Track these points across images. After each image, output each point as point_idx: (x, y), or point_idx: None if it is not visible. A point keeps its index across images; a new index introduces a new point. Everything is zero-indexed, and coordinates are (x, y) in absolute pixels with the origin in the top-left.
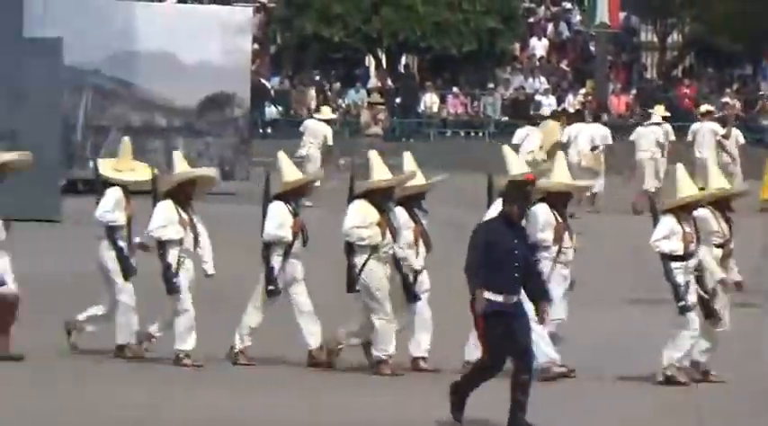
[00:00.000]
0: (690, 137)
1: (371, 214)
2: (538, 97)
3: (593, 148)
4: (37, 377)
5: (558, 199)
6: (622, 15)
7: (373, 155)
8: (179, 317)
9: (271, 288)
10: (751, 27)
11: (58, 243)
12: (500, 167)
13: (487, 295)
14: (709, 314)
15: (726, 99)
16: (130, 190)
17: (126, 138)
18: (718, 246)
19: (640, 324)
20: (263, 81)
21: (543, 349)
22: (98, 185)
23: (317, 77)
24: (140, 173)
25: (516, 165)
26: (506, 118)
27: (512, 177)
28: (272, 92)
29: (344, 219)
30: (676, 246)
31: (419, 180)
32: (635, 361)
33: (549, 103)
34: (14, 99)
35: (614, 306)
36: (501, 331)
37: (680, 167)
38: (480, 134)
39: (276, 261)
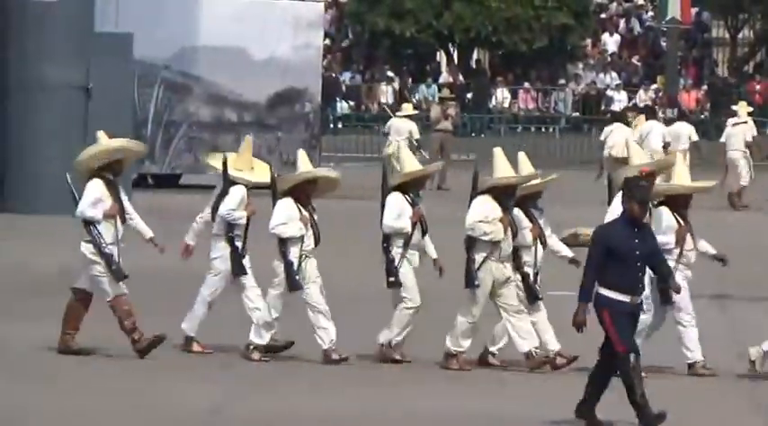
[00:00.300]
0: None
1: (495, 210)
2: (609, 92)
3: (666, 146)
4: (104, 372)
5: (679, 202)
6: (694, 11)
7: (498, 153)
8: (264, 311)
9: (391, 279)
10: None
11: (128, 237)
12: (570, 162)
13: (614, 295)
14: None
15: None
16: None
17: (249, 136)
18: None
19: (723, 320)
20: (334, 76)
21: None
22: (225, 182)
23: (389, 73)
24: (262, 173)
25: (639, 158)
26: (577, 113)
27: (627, 175)
28: (344, 87)
29: (468, 214)
30: None
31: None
32: (715, 356)
33: (619, 99)
34: (85, 94)
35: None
36: (627, 321)
37: None
38: (551, 130)
39: (396, 252)
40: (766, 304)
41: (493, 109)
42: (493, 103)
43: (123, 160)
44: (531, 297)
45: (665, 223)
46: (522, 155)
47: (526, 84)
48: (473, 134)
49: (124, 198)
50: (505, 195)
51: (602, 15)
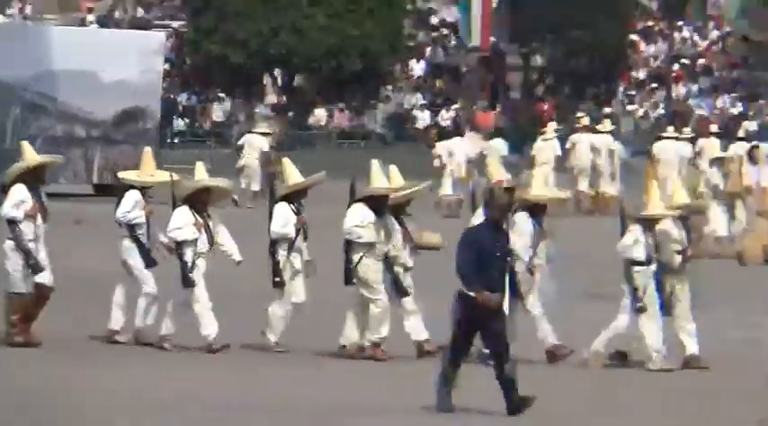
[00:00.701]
0: (568, 145)
1: (369, 216)
2: (414, 112)
3: (469, 161)
4: (51, 363)
5: (537, 209)
6: (492, 40)
7: (374, 165)
8: (197, 307)
9: (277, 280)
10: (603, 52)
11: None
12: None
13: (474, 292)
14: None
15: (580, 114)
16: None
17: (147, 148)
18: (678, 253)
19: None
20: (172, 97)
21: (546, 332)
22: (118, 189)
23: (220, 94)
24: (159, 176)
25: (497, 173)
26: (386, 130)
27: (489, 185)
28: (181, 107)
29: (345, 219)
30: (640, 253)
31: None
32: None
33: (423, 118)
34: None
35: None
36: (477, 323)
37: (654, 184)
38: (362, 144)
39: (281, 256)
40: (598, 302)
41: (311, 126)
42: (311, 121)
43: (46, 167)
44: (401, 293)
45: (521, 227)
46: (393, 168)
47: (341, 104)
48: (293, 149)
49: (45, 201)
50: (379, 203)
51: (411, 44)
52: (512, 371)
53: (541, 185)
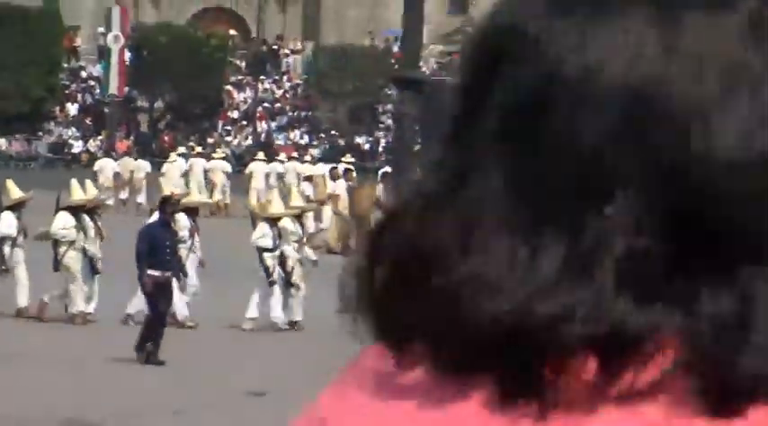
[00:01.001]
0: (187, 167)
1: (70, 220)
2: (71, 141)
3: (117, 175)
4: None
5: (193, 210)
6: (126, 89)
7: (73, 183)
8: None
9: (3, 268)
10: (206, 97)
11: None
12: (48, 186)
13: (153, 272)
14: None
15: (191, 143)
16: None
17: None
18: (295, 242)
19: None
20: None
21: (180, 306)
22: None
23: None
24: None
25: (167, 188)
26: (50, 154)
27: (164, 196)
28: None
29: (52, 223)
30: (268, 242)
31: (96, 200)
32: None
33: (78, 146)
34: None
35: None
36: (159, 295)
37: (275, 192)
38: (32, 165)
39: (6, 250)
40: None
41: None
42: None
43: None
44: (95, 272)
45: (182, 223)
46: (89, 183)
47: (17, 136)
48: None
49: None
50: (78, 209)
51: (67, 91)
52: (161, 332)
53: (197, 194)
